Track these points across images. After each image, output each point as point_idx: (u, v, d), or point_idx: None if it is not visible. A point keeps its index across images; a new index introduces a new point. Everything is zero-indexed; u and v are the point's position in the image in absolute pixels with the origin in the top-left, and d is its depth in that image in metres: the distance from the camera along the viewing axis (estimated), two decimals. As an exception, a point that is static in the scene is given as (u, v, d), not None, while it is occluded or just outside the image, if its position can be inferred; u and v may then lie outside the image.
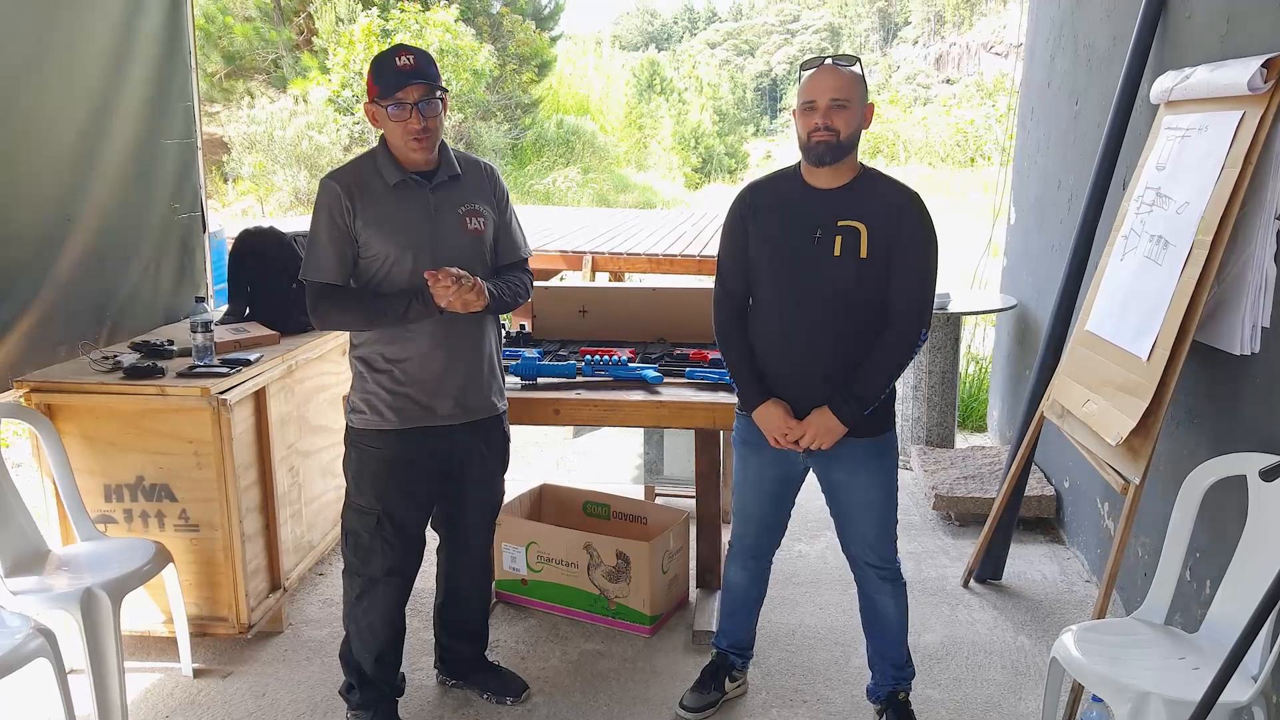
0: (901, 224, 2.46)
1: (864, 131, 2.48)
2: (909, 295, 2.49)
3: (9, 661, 2.31)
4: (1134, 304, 2.88)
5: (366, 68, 2.51)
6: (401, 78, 2.43)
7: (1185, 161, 2.81)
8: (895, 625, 2.74)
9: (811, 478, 2.72)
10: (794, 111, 2.51)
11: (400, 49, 2.46)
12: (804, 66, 2.49)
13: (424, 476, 2.68)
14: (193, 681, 3.06)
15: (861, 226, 2.45)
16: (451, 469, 2.72)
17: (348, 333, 2.68)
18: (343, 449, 2.69)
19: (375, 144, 2.59)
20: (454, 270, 2.43)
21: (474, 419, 2.68)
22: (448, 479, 2.74)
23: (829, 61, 2.44)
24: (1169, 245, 2.76)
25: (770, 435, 2.57)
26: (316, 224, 2.54)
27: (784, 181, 2.57)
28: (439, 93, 2.48)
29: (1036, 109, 4.94)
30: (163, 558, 2.88)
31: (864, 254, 2.45)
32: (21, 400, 2.97)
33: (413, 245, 2.52)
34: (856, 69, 2.45)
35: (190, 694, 3.00)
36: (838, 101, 2.39)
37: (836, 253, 2.46)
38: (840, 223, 2.46)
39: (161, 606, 3.10)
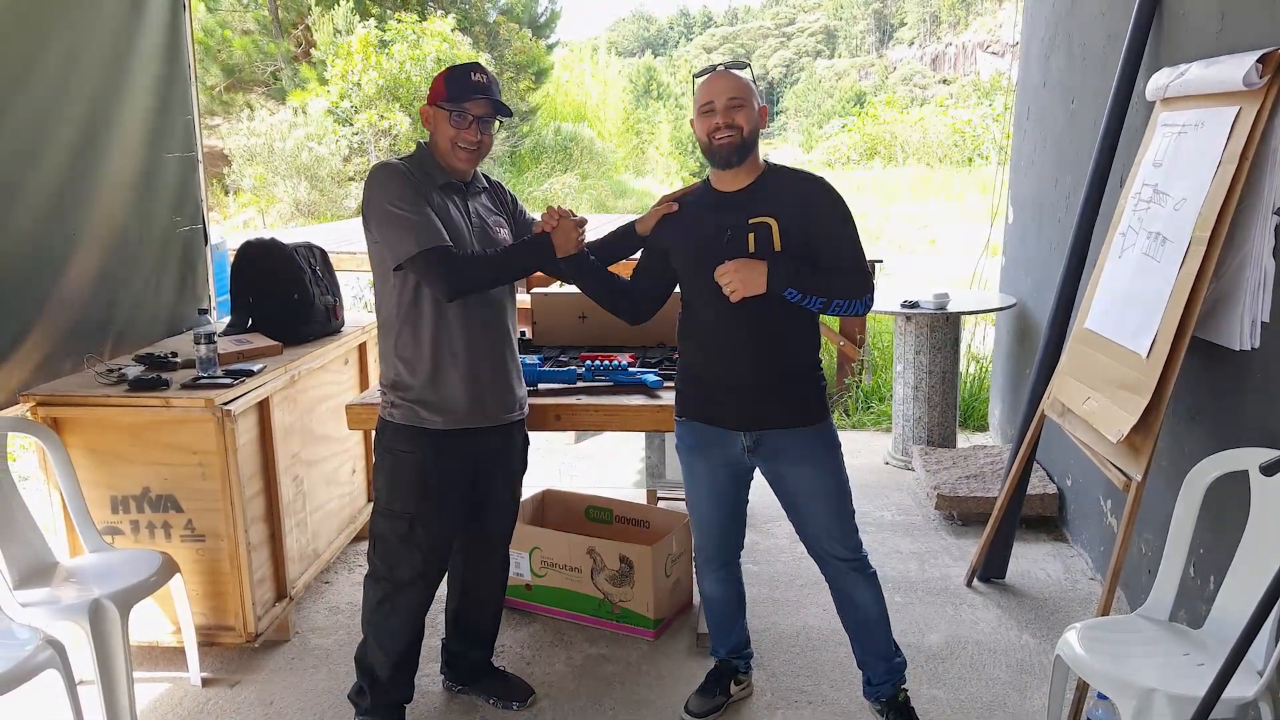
0: (811, 209, 2.48)
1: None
2: (846, 264, 2.50)
3: (19, 673, 2.33)
4: (1133, 301, 2.89)
5: (436, 74, 2.62)
6: (473, 90, 2.55)
7: (1182, 158, 2.82)
8: (875, 616, 2.73)
9: None
10: (691, 120, 2.58)
11: (477, 66, 2.61)
12: (697, 75, 2.55)
13: (456, 481, 2.68)
14: (201, 691, 3.07)
15: (773, 221, 2.47)
16: (480, 472, 2.74)
17: (385, 327, 2.65)
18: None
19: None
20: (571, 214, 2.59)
21: (504, 422, 2.71)
22: (475, 483, 2.75)
23: (720, 68, 2.52)
24: (1167, 242, 2.77)
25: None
26: (398, 197, 2.50)
27: (697, 194, 2.62)
28: (500, 116, 2.61)
29: (1033, 108, 4.95)
30: (169, 568, 2.90)
31: (779, 247, 2.46)
32: (28, 414, 2.98)
33: (459, 244, 2.55)
34: (746, 74, 2.51)
35: (199, 703, 3.02)
36: (735, 100, 2.46)
37: (751, 249, 2.47)
38: (752, 220, 2.48)
39: (169, 616, 3.11)
